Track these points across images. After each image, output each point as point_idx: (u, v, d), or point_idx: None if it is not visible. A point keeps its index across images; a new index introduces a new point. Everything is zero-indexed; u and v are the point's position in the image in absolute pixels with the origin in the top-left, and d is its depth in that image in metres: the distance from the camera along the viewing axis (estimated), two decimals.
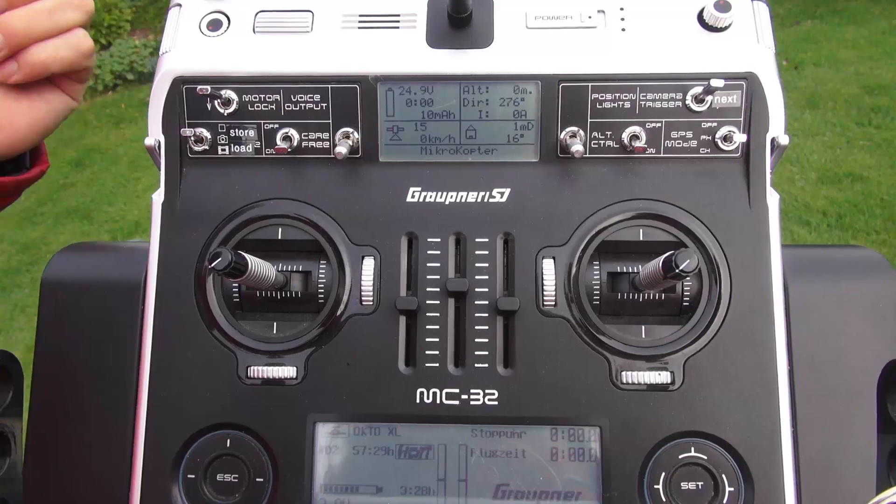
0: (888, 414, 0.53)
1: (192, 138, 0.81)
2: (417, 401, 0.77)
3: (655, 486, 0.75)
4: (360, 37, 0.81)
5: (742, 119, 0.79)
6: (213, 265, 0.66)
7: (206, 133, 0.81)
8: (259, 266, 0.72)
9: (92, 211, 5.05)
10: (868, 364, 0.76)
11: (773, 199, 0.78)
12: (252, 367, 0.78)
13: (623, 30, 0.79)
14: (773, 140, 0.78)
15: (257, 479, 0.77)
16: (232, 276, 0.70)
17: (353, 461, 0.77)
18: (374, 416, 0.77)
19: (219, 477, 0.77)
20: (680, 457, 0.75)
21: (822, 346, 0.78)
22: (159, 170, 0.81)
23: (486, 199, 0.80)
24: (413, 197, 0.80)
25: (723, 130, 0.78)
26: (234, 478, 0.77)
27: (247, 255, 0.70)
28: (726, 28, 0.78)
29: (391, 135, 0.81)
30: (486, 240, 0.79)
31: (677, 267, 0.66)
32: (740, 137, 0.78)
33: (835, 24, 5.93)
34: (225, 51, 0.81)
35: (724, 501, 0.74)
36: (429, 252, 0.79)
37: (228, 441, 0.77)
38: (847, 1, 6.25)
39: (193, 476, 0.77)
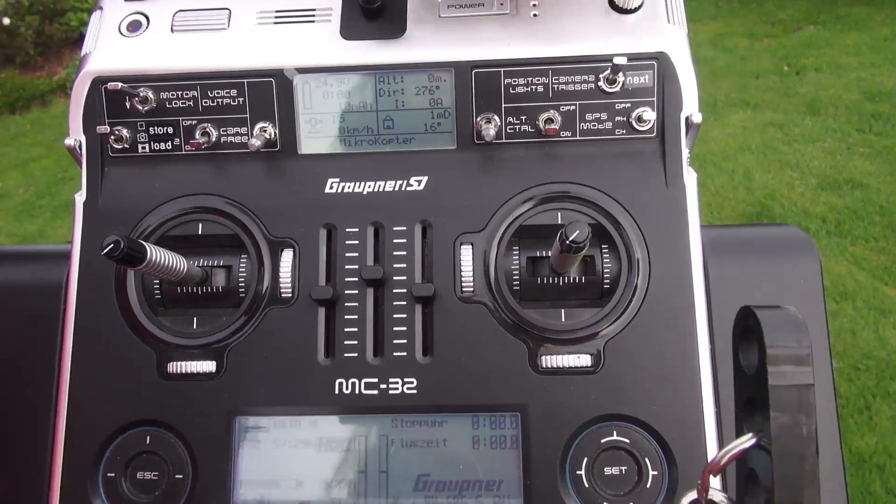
0: (740, 362, 0.51)
1: (112, 137, 0.82)
2: (336, 392, 0.76)
3: (578, 472, 0.73)
4: (276, 32, 0.82)
5: (655, 99, 0.78)
6: (105, 251, 0.66)
7: (125, 132, 0.82)
8: (162, 255, 0.72)
9: None
10: None
11: (690, 178, 0.78)
12: (171, 363, 0.78)
13: (535, 15, 0.79)
14: (687, 118, 0.78)
15: (177, 476, 0.76)
16: (129, 264, 0.70)
17: (274, 455, 0.77)
18: (294, 409, 0.77)
19: (139, 475, 0.77)
20: (602, 441, 0.74)
21: None
22: (81, 170, 0.82)
23: (403, 188, 0.80)
24: (331, 188, 0.81)
25: (637, 111, 0.78)
26: (154, 475, 0.77)
27: (147, 244, 0.71)
28: (637, 9, 0.78)
29: (309, 127, 0.81)
30: (404, 228, 0.79)
31: (567, 239, 0.65)
32: (653, 116, 0.78)
33: (837, 30, 5.92)
34: (143, 50, 0.82)
35: (648, 486, 0.73)
36: (347, 242, 0.79)
37: (148, 438, 0.77)
38: (849, 7, 6.24)
39: (113, 474, 0.77)
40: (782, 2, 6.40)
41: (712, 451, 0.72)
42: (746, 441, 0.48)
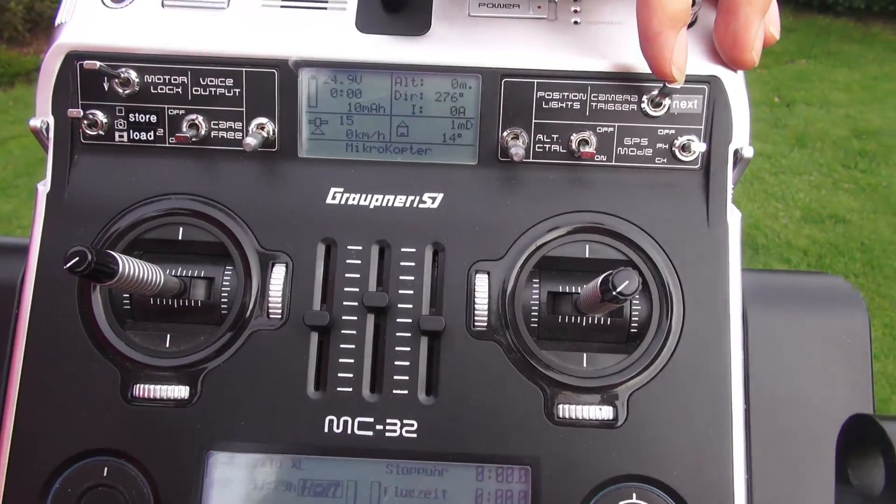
0: (847, 476, 0.44)
1: (86, 122, 0.71)
2: (326, 430, 0.67)
3: None
4: (283, 17, 0.72)
5: (703, 127, 0.71)
6: (68, 265, 0.56)
7: (101, 116, 0.72)
8: (136, 269, 0.62)
9: None
10: (834, 407, 0.67)
11: (733, 217, 0.70)
12: (137, 385, 0.68)
13: (576, 22, 0.71)
14: (735, 152, 0.70)
15: None
16: (96, 280, 0.60)
17: (250, 497, 0.67)
18: (276, 446, 0.67)
19: None
20: None
21: (784, 384, 0.69)
22: (46, 155, 0.72)
23: (415, 205, 0.71)
24: (334, 199, 0.72)
25: (681, 139, 0.70)
26: None
27: (119, 255, 0.61)
28: (690, 25, 0.70)
29: (313, 128, 0.72)
30: (413, 250, 0.70)
31: (614, 288, 0.57)
32: (699, 147, 0.70)
33: (828, 65, 5.97)
34: (128, 25, 0.72)
35: None
36: (348, 261, 0.70)
37: (106, 470, 0.67)
38: (841, 44, 6.30)
39: None
40: None
41: None
42: None
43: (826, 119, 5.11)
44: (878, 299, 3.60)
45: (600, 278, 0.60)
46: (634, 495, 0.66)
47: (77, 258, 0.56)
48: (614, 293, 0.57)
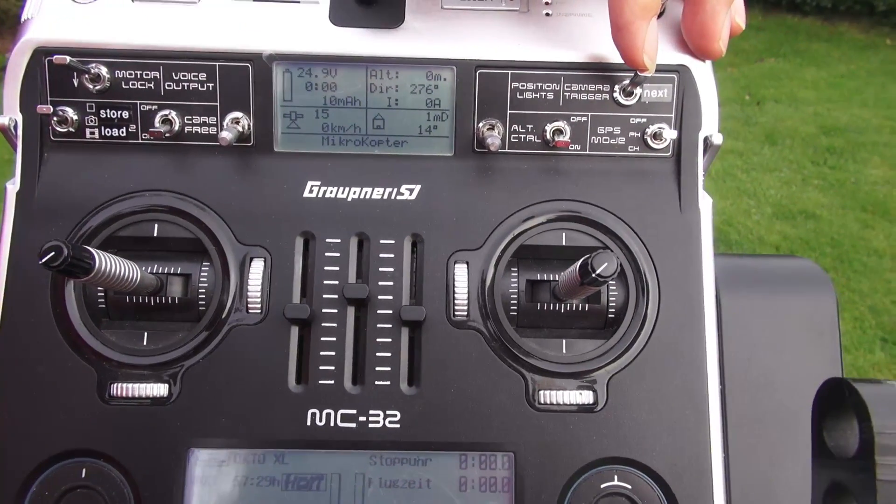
0: (824, 441, 0.45)
1: (55, 119, 0.71)
2: (308, 423, 0.67)
3: None
4: (256, 10, 0.72)
5: (673, 115, 0.72)
6: (44, 260, 0.55)
7: (71, 113, 0.71)
8: (113, 264, 0.62)
9: None
10: (805, 385, 0.68)
11: (705, 202, 0.72)
12: (115, 384, 0.67)
13: (548, 14, 0.73)
14: (705, 139, 0.72)
15: None
16: (72, 275, 0.59)
17: (233, 494, 0.67)
18: (258, 442, 0.67)
19: None
20: (602, 486, 0.67)
21: (757, 364, 0.71)
22: (15, 153, 0.71)
23: (393, 197, 0.72)
24: (311, 192, 0.72)
25: (653, 127, 0.72)
26: None
27: (95, 251, 0.60)
28: (659, 16, 0.72)
29: (288, 122, 0.73)
30: (392, 242, 0.71)
31: (593, 271, 0.58)
32: (671, 134, 0.72)
33: (797, 63, 6.08)
34: (97, 20, 0.71)
35: None
36: (327, 254, 0.71)
37: (84, 471, 0.66)
38: (809, 42, 6.42)
39: None
40: (745, 32, 6.53)
41: (719, 499, 0.66)
42: None
43: (795, 116, 5.21)
44: (847, 293, 3.67)
45: (579, 262, 0.61)
46: (616, 477, 0.67)
47: (53, 252, 0.55)
48: (593, 275, 0.58)
